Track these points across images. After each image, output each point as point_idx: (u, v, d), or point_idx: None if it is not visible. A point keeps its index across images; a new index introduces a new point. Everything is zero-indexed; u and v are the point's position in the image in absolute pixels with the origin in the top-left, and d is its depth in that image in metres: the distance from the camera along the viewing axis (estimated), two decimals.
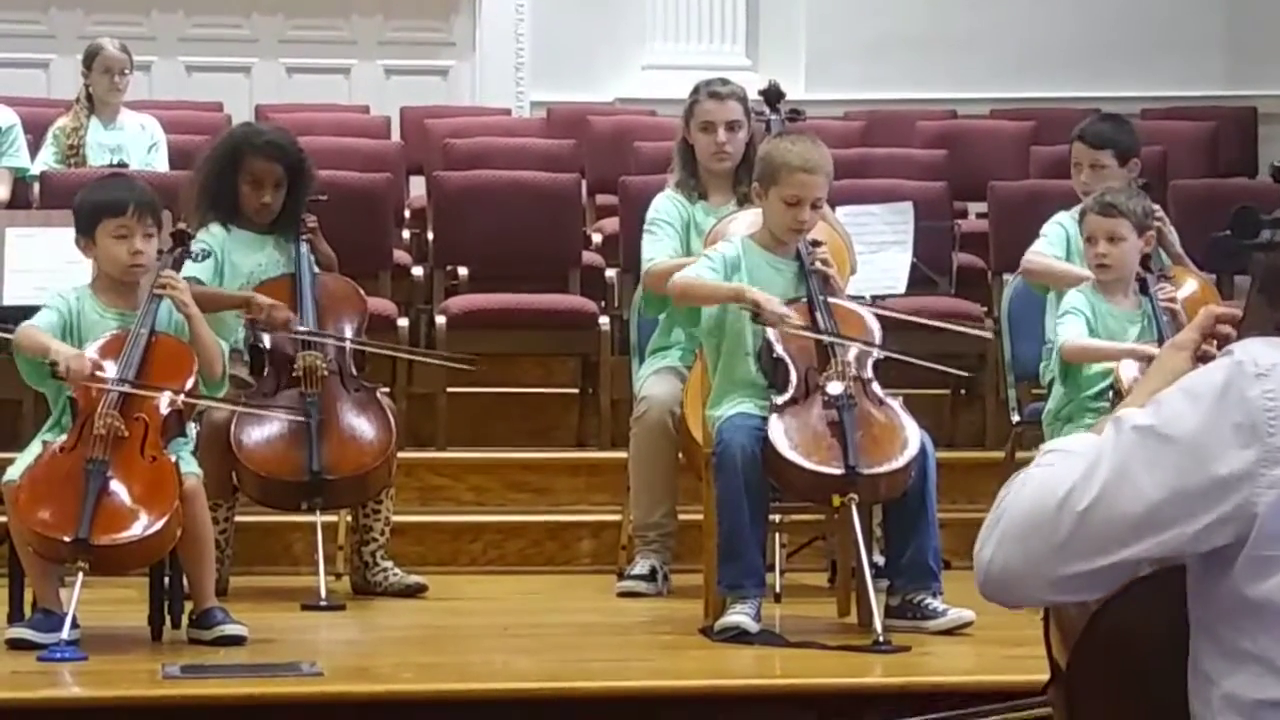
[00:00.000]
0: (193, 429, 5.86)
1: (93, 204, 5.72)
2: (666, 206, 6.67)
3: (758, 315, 5.76)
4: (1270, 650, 2.38)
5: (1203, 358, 2.58)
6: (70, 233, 5.81)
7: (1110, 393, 6.10)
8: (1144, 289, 6.27)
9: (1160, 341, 6.08)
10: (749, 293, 5.80)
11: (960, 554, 6.13)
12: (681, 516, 6.59)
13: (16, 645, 5.34)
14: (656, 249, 6.58)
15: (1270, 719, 2.37)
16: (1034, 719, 2.88)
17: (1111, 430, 2.44)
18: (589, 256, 8.84)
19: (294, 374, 6.35)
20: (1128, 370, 5.98)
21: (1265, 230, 2.62)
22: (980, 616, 5.68)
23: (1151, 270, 6.31)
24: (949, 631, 5.69)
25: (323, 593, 6.13)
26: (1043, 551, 2.43)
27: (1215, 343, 2.60)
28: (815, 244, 6.00)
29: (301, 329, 6.38)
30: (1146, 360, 5.88)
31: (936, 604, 5.75)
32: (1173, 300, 6.26)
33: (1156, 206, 6.60)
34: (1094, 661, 2.51)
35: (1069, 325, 6.24)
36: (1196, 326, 2.65)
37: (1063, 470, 2.45)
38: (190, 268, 6.11)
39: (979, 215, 9.52)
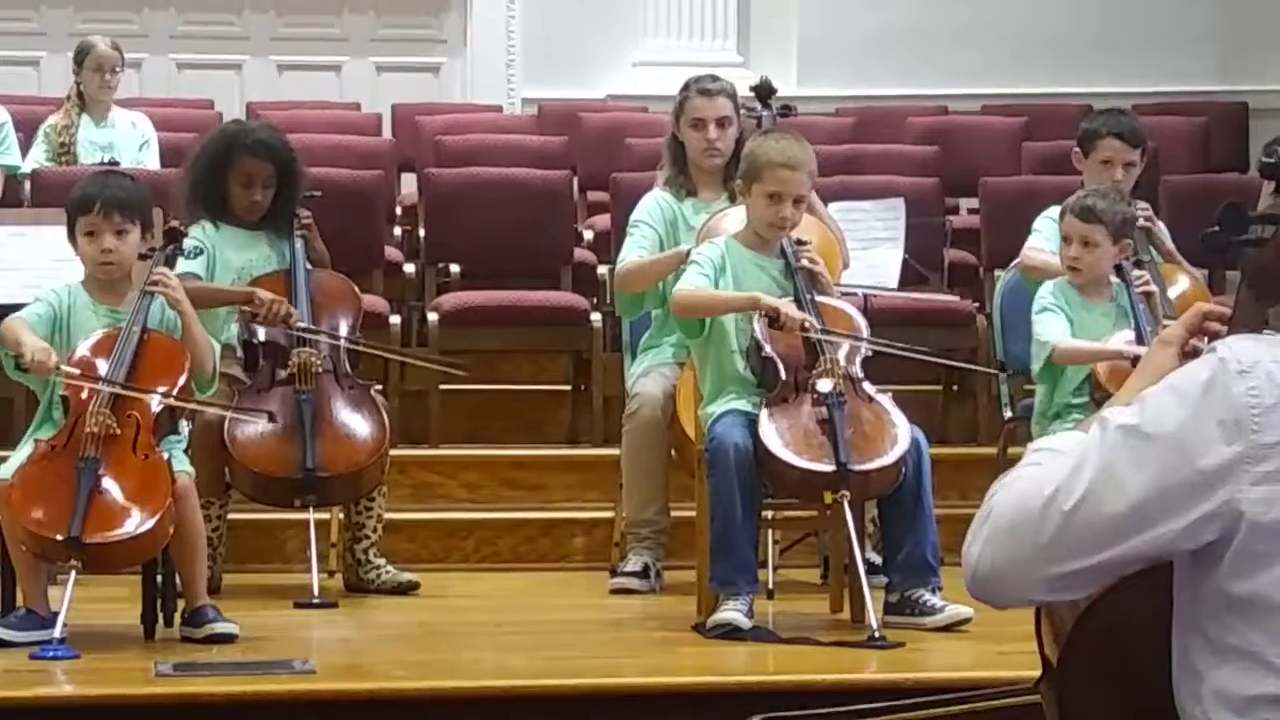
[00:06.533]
0: (185, 427, 5.86)
1: (69, 201, 5.77)
2: (650, 207, 6.67)
3: (777, 322, 5.77)
4: (1258, 645, 2.38)
5: (1191, 354, 2.57)
6: (61, 231, 5.82)
7: (1088, 387, 6.13)
8: (1120, 273, 6.28)
9: (1137, 331, 6.13)
10: (765, 300, 5.80)
11: (953, 550, 6.02)
12: (674, 513, 6.59)
13: (1, 644, 5.33)
14: (629, 250, 6.59)
15: (1263, 714, 2.37)
16: (1019, 705, 2.88)
17: (1097, 430, 2.43)
18: (580, 253, 8.83)
19: (288, 371, 6.36)
20: (1104, 368, 6.03)
21: (1254, 226, 2.61)
22: (978, 613, 5.67)
23: (1128, 257, 6.31)
24: (947, 628, 5.70)
25: (315, 590, 6.13)
26: (1029, 551, 2.42)
27: (1205, 339, 2.60)
28: (800, 242, 6.01)
29: (301, 324, 6.38)
30: (1132, 361, 5.93)
31: (935, 600, 5.75)
32: (1147, 284, 6.27)
33: (1145, 205, 6.60)
34: (1084, 658, 2.51)
35: (1051, 324, 6.26)
36: (1184, 323, 2.64)
37: (1050, 470, 2.44)
38: (183, 264, 6.10)
39: (970, 211, 9.52)
